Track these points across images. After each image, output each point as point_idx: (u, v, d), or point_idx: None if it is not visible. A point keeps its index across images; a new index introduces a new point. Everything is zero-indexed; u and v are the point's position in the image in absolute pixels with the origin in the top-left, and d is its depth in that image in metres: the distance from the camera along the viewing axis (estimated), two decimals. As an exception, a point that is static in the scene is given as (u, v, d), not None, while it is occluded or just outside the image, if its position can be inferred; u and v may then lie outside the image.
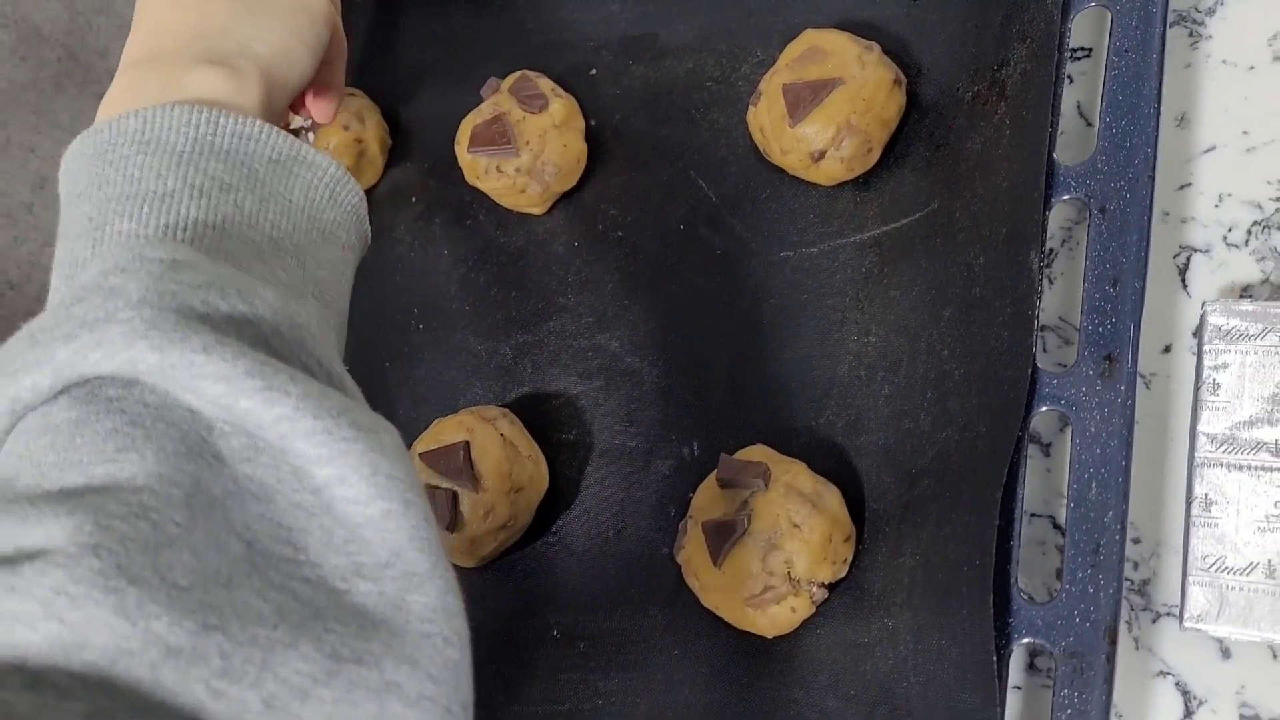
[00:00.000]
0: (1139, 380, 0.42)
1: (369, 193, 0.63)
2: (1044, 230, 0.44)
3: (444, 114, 0.61)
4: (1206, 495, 0.41)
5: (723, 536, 0.45)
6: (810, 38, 0.52)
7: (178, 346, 0.27)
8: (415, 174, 0.63)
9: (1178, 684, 0.42)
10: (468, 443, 0.51)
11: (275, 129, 0.35)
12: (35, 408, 0.28)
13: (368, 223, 0.40)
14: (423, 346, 0.60)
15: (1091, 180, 0.43)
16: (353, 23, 0.61)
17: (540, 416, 0.55)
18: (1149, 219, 0.42)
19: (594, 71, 0.60)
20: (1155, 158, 0.43)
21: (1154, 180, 0.42)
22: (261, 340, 0.29)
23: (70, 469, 0.26)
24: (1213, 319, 0.42)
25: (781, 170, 0.53)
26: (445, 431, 0.52)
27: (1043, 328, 0.47)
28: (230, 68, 0.37)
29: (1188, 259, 0.46)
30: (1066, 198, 0.44)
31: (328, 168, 0.37)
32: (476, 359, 0.58)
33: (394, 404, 0.59)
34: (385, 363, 0.60)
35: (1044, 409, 0.42)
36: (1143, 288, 0.41)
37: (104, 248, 0.31)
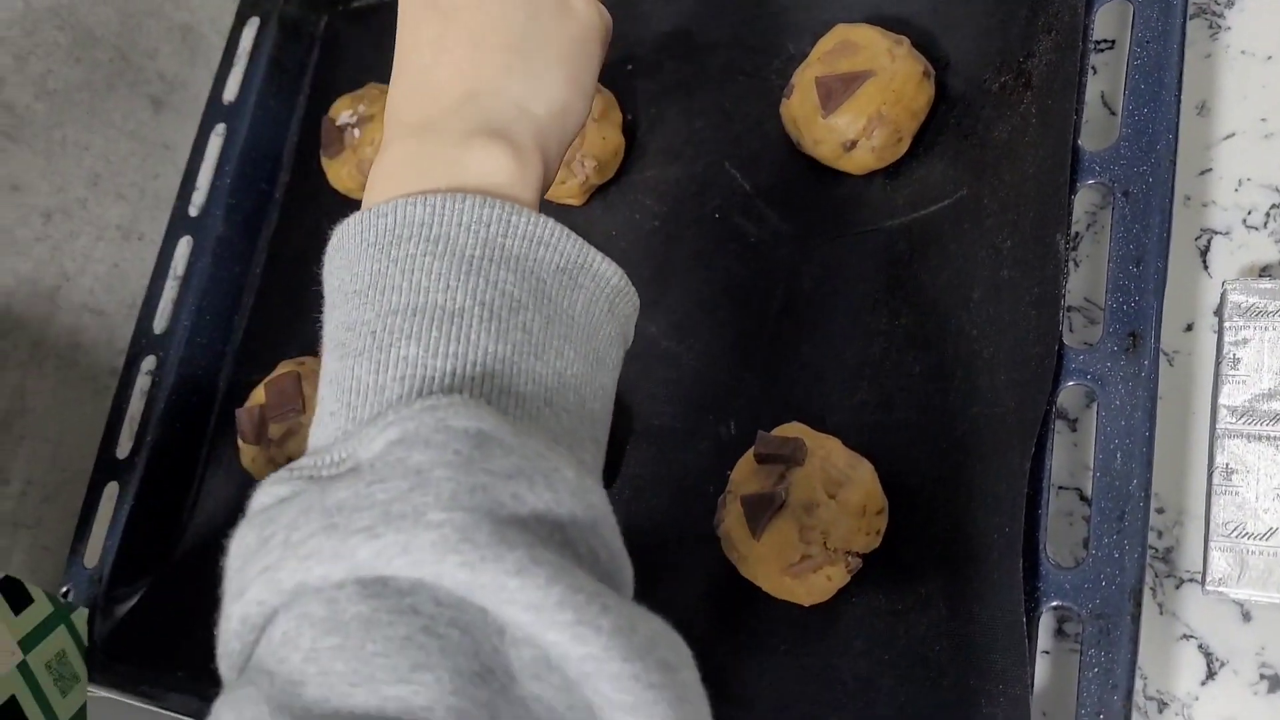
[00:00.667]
0: (1162, 357, 0.44)
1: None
2: (1070, 214, 0.45)
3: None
4: (1227, 464, 0.43)
5: (761, 509, 0.47)
6: (842, 32, 0.54)
7: (490, 567, 0.25)
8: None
9: (1200, 646, 0.43)
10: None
11: (564, 230, 0.33)
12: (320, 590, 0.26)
13: (633, 331, 0.37)
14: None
15: (1115, 166, 0.45)
16: (385, 19, 0.63)
17: (582, 398, 0.57)
18: (1171, 202, 0.43)
19: (630, 67, 0.62)
20: (1176, 144, 0.44)
21: (1175, 165, 0.44)
22: (559, 530, 0.28)
23: (362, 685, 0.25)
24: (1233, 297, 0.44)
25: (814, 160, 0.55)
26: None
27: (1069, 308, 0.48)
28: (511, 142, 0.34)
29: (1208, 241, 0.48)
30: (1091, 182, 0.45)
31: (610, 277, 0.34)
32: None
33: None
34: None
35: (1070, 383, 0.44)
36: (1165, 267, 0.43)
37: (389, 375, 0.29)
